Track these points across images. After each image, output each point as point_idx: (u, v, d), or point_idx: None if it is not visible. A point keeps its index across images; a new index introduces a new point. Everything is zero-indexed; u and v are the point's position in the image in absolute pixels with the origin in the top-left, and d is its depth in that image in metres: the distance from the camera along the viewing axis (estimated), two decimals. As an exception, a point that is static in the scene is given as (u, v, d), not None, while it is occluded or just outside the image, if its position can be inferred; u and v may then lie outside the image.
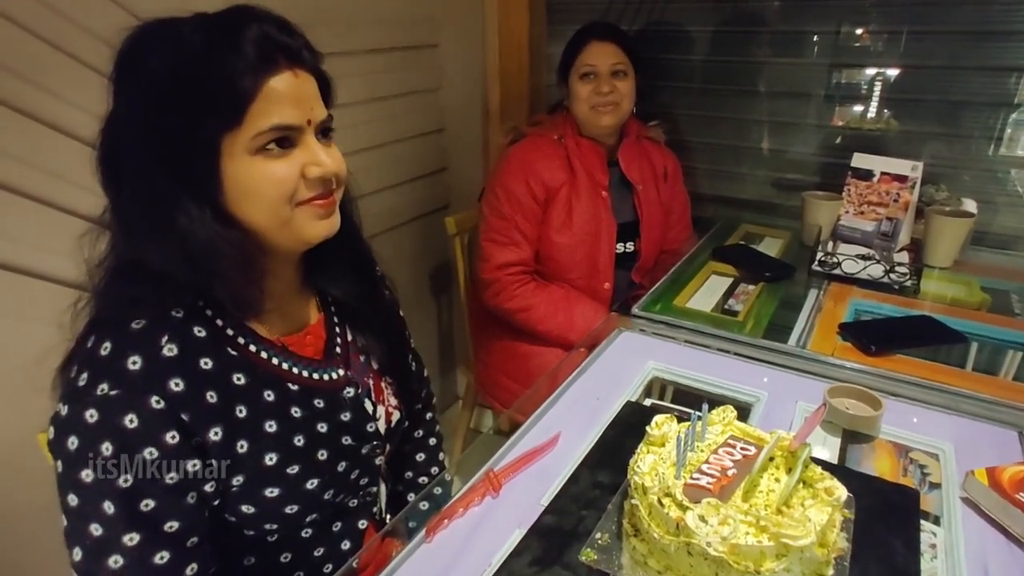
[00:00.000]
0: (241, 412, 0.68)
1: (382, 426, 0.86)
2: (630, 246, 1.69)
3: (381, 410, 0.87)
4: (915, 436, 0.92)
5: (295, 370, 0.76)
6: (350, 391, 0.81)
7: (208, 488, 0.67)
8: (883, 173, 1.54)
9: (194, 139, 0.62)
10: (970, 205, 1.50)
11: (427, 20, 1.86)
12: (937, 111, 1.64)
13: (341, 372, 0.81)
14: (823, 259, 1.42)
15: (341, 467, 0.79)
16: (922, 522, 0.74)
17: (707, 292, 1.40)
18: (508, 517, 0.77)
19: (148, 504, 0.63)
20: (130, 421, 0.61)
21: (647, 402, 1.02)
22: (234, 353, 0.70)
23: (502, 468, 0.84)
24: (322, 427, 0.76)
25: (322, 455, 0.76)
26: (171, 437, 0.63)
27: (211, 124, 0.62)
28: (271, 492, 0.71)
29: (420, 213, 1.99)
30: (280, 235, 0.68)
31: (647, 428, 0.74)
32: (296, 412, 0.73)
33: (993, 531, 0.75)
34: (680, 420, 0.76)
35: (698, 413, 0.74)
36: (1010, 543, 0.74)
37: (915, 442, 0.91)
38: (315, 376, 0.78)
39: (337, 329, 0.85)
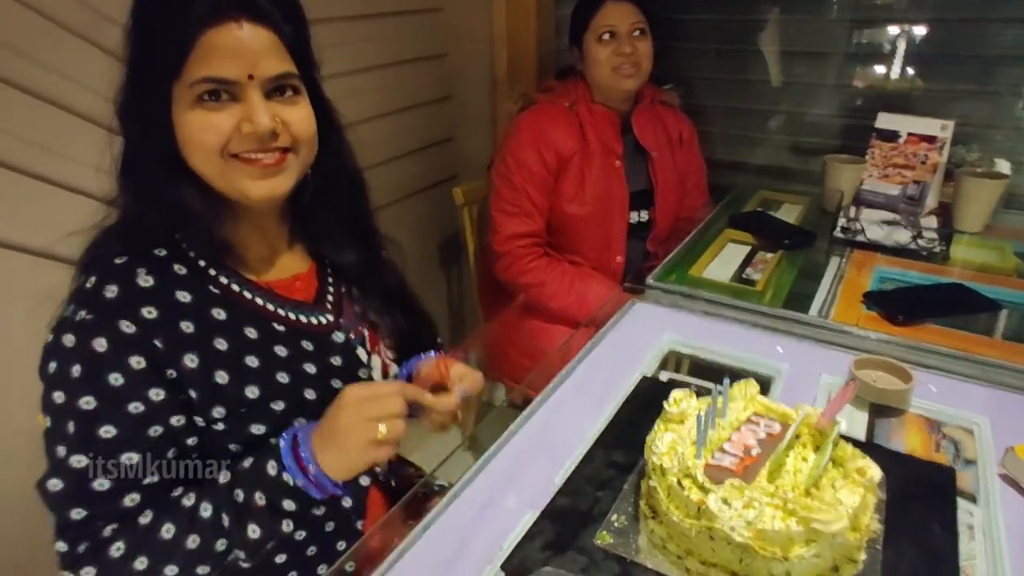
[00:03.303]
0: (220, 345, 0.69)
1: (377, 375, 0.86)
2: (644, 215, 1.64)
3: (376, 360, 0.86)
4: (948, 410, 0.87)
5: (281, 311, 0.76)
6: (340, 336, 0.81)
7: (176, 422, 0.67)
8: (910, 134, 1.46)
9: (150, 87, 0.65)
10: (1003, 166, 1.43)
11: (430, -18, 1.79)
12: (966, 68, 1.55)
13: (331, 317, 0.82)
14: (845, 225, 1.36)
15: None
16: (958, 501, 0.70)
17: (724, 261, 1.34)
18: (520, 497, 0.74)
19: (108, 431, 0.64)
20: (100, 344, 0.63)
21: (663, 376, 0.98)
22: (216, 291, 0.72)
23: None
24: (309, 367, 0.76)
25: (309, 394, 0.76)
26: (137, 363, 0.64)
27: (159, 72, 0.64)
28: (257, 429, 0.72)
29: (427, 184, 1.94)
30: (223, 187, 0.69)
31: (664, 404, 0.70)
32: (281, 351, 0.74)
33: (1033, 509, 0.71)
34: (699, 396, 0.72)
35: (719, 388, 0.70)
36: (1052, 522, 0.70)
37: (948, 416, 0.87)
38: (302, 318, 0.79)
39: (330, 279, 0.85)
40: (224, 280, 0.73)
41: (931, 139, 1.44)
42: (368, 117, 1.67)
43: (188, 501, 0.67)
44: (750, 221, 1.48)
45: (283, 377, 0.74)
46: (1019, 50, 1.48)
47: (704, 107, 1.87)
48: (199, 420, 0.69)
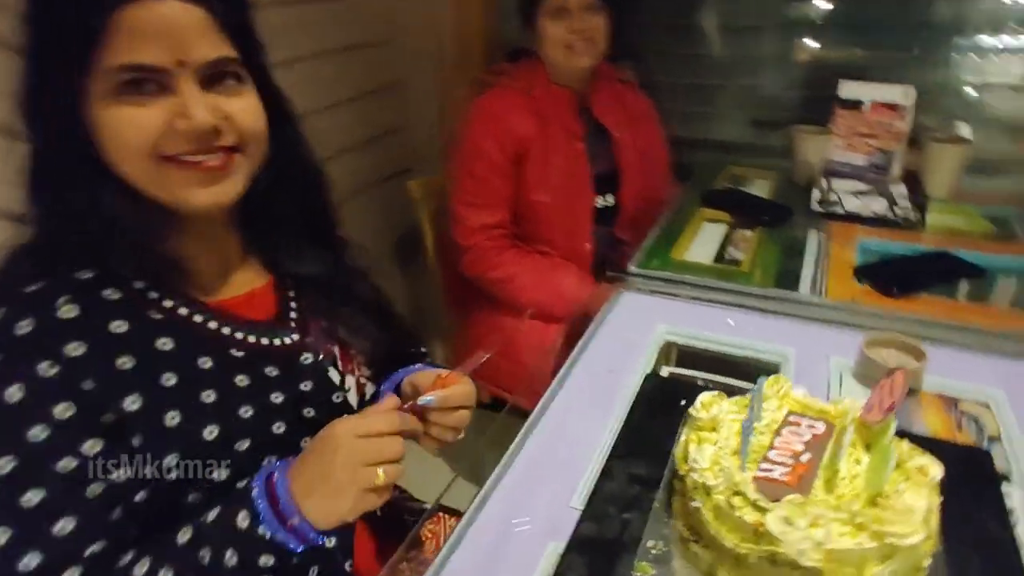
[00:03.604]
0: (168, 380, 0.59)
1: (353, 398, 0.76)
2: (610, 199, 1.57)
3: (351, 380, 0.76)
4: (961, 385, 0.84)
5: (238, 334, 0.67)
6: (308, 357, 0.71)
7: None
8: (874, 102, 1.45)
9: (58, 79, 0.55)
10: (964, 130, 1.43)
11: (368, -38, 1.66)
12: (918, 35, 1.55)
13: (296, 336, 0.71)
14: (822, 198, 1.33)
15: (305, 443, 0.68)
16: (996, 484, 0.67)
17: (703, 242, 1.29)
18: (537, 527, 0.66)
19: (34, 497, 0.52)
20: (14, 393, 0.53)
21: (665, 371, 0.91)
22: (158, 317, 0.61)
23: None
24: (276, 397, 0.66)
25: (278, 428, 0.66)
26: (63, 411, 0.54)
27: (67, 61, 0.54)
28: (220, 474, 0.61)
29: (378, 179, 1.82)
30: (158, 195, 0.59)
31: (691, 411, 0.64)
32: (242, 380, 0.64)
33: (1072, 487, 0.68)
34: (728, 395, 0.66)
35: (752, 388, 0.63)
36: (1092, 498, 0.67)
37: (962, 392, 0.84)
38: (263, 340, 0.68)
39: (291, 293, 0.75)
40: (168, 303, 0.63)
41: (894, 107, 1.42)
42: (308, 110, 1.53)
43: (142, 569, 0.56)
44: (724, 198, 1.44)
45: (246, 411, 0.64)
46: (964, 19, 1.49)
47: (661, 84, 1.81)
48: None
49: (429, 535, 0.95)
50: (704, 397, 0.63)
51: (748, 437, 0.57)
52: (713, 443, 0.59)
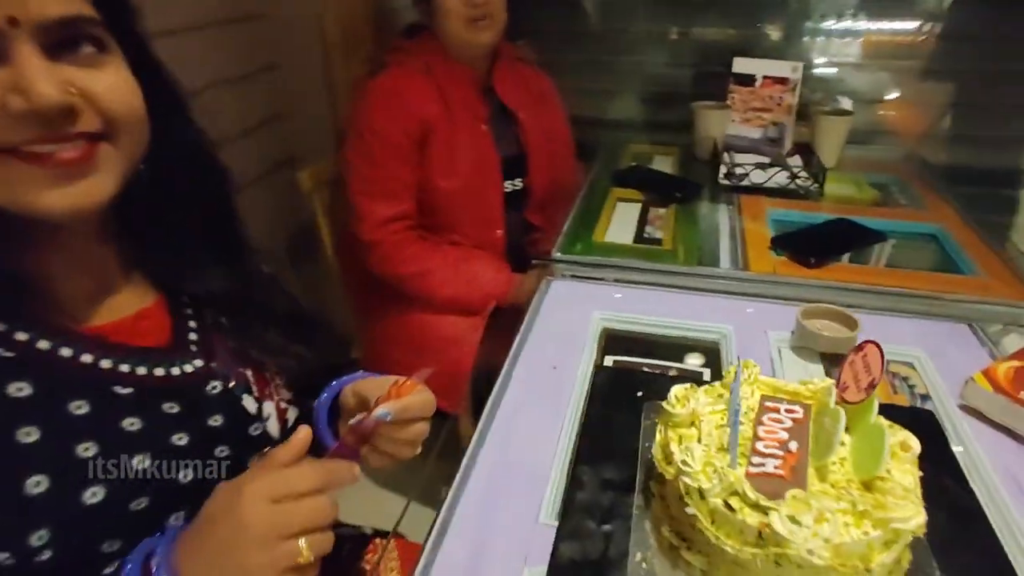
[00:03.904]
0: (27, 435, 0.47)
1: (274, 427, 0.64)
2: (518, 183, 1.51)
3: (270, 407, 0.65)
4: (886, 348, 0.87)
5: (123, 367, 0.54)
6: (216, 386, 0.60)
7: None
8: (765, 77, 1.49)
9: None
10: (846, 103, 1.51)
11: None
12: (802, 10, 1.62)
13: (199, 362, 0.59)
14: (729, 172, 1.35)
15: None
16: (939, 443, 0.69)
17: (620, 222, 1.27)
18: (507, 549, 0.59)
19: None
20: None
21: (608, 361, 0.88)
22: (8, 355, 0.48)
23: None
24: (179, 438, 0.55)
25: (185, 477, 0.54)
26: None
27: None
28: (110, 546, 0.49)
29: (261, 171, 1.65)
30: (1, 203, 0.46)
31: (665, 406, 0.59)
32: (131, 424, 0.52)
33: (1005, 438, 0.71)
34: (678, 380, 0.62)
35: (699, 369, 0.60)
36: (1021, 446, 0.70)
37: (889, 355, 0.85)
38: (157, 371, 0.56)
39: (189, 311, 0.63)
40: (22, 336, 0.49)
41: (784, 81, 1.47)
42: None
43: None
44: (634, 177, 1.43)
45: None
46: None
47: (555, 62, 1.77)
48: (4, 556, 0.45)
49: (367, 565, 0.86)
50: (677, 391, 0.59)
51: (737, 430, 0.53)
52: (696, 440, 0.56)
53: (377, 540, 0.89)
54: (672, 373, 0.83)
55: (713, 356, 0.87)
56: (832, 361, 0.85)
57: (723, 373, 0.82)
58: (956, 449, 0.69)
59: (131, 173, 0.52)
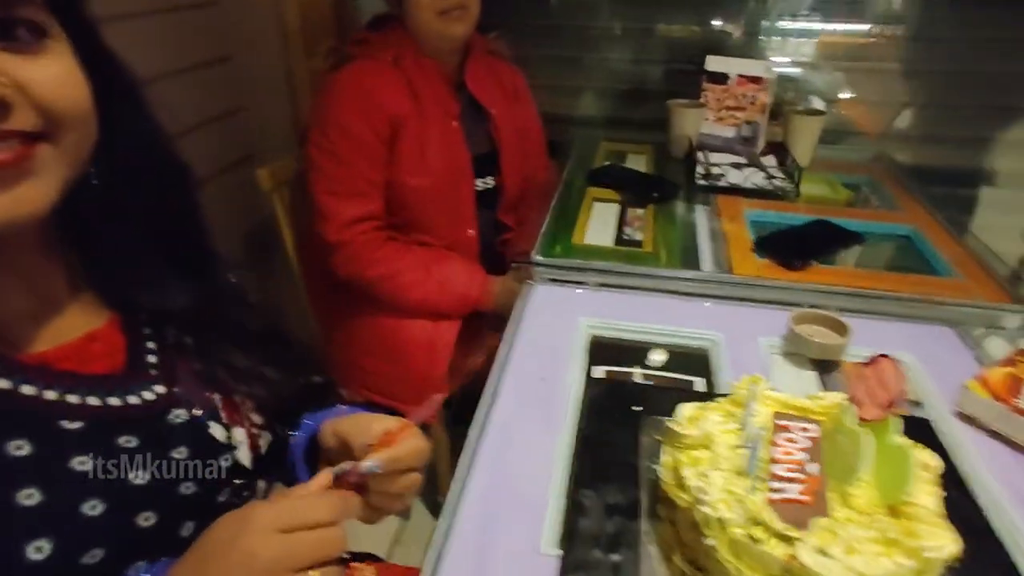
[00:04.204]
0: None
1: (245, 456, 0.58)
2: (490, 181, 1.46)
3: (240, 434, 0.59)
4: (874, 352, 0.86)
5: (71, 398, 0.48)
6: (179, 414, 0.53)
7: None
8: (739, 76, 1.48)
9: None
10: (818, 103, 1.51)
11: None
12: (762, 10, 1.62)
13: (161, 389, 0.53)
14: (705, 172, 1.33)
15: (187, 530, 0.52)
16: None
17: (598, 224, 1.24)
18: (509, 584, 0.55)
19: None
20: None
21: (598, 372, 0.84)
22: None
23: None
24: (139, 476, 0.49)
25: (146, 520, 0.48)
26: None
27: None
28: None
29: (217, 168, 1.55)
30: None
31: (674, 427, 0.56)
32: (81, 464, 0.46)
33: (1001, 446, 0.71)
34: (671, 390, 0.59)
35: (693, 380, 0.57)
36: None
37: (879, 359, 0.85)
38: (112, 401, 0.50)
39: (146, 330, 0.56)
40: None
41: (757, 80, 1.46)
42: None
43: None
44: (610, 176, 1.40)
45: (93, 506, 0.45)
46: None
47: (527, 57, 1.73)
48: None
49: (345, 591, 0.80)
50: (687, 411, 0.56)
51: (756, 453, 0.50)
52: (710, 464, 0.52)
53: (353, 564, 0.84)
54: (665, 384, 0.81)
55: (703, 364, 0.85)
56: (823, 367, 0.83)
57: (715, 382, 0.80)
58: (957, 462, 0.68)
59: (76, 176, 0.46)
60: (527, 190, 1.52)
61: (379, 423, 0.55)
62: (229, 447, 0.57)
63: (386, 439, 0.52)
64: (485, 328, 1.40)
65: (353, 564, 0.84)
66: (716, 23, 1.64)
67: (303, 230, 1.43)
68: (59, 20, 0.44)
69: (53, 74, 0.42)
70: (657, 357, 0.85)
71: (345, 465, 0.50)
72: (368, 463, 0.50)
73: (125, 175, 0.51)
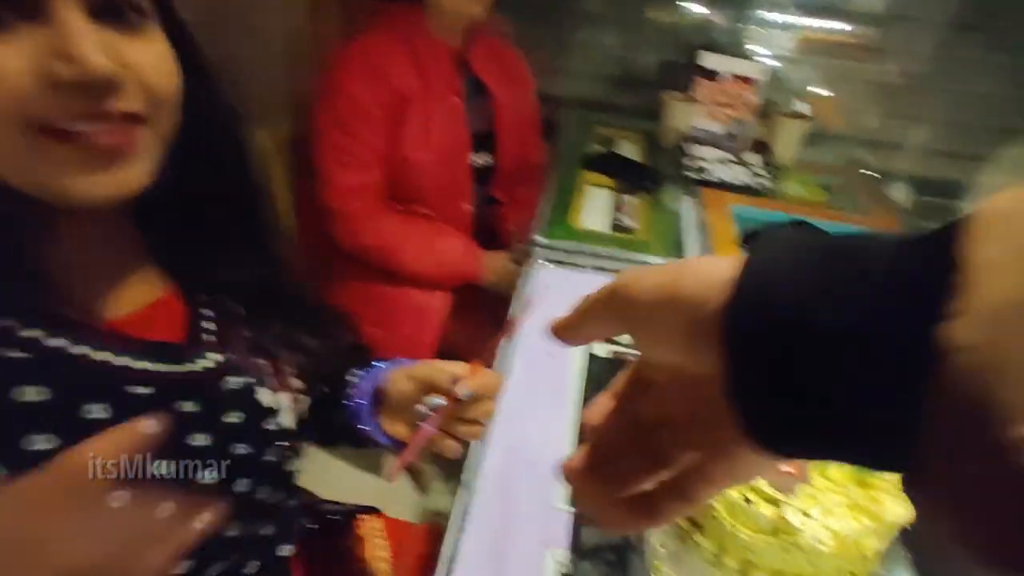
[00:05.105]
0: (40, 442, 0.42)
1: (288, 420, 0.62)
2: (487, 158, 1.51)
3: (284, 399, 0.63)
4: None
5: (139, 363, 0.50)
6: (236, 381, 0.57)
7: None
8: (733, 75, 1.55)
9: None
10: (803, 107, 1.60)
11: None
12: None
13: (219, 357, 0.56)
14: (691, 164, 1.41)
15: (242, 486, 0.56)
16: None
17: (593, 209, 1.31)
18: (529, 534, 0.63)
19: None
20: None
21: (601, 351, 0.92)
22: (16, 355, 0.43)
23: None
24: (200, 438, 0.52)
25: (208, 476, 0.52)
26: None
27: None
28: None
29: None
30: (22, 185, 0.42)
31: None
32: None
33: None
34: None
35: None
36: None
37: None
38: (176, 368, 0.52)
39: (204, 299, 0.59)
40: (30, 333, 0.44)
41: (748, 80, 1.54)
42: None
43: None
44: (606, 163, 1.46)
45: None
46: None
47: (519, 36, 1.76)
48: None
49: (353, 542, 0.87)
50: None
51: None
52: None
53: (362, 516, 0.90)
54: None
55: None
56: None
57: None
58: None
59: (163, 157, 0.49)
60: (521, 169, 1.58)
61: (452, 364, 0.61)
62: (275, 411, 0.61)
63: (472, 371, 0.59)
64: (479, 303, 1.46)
65: (362, 515, 0.91)
66: (706, 12, 1.70)
67: (303, 195, 1.45)
68: (153, 2, 0.46)
69: (156, 57, 0.44)
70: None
71: (437, 398, 0.58)
72: (465, 390, 0.57)
73: (198, 155, 0.53)
